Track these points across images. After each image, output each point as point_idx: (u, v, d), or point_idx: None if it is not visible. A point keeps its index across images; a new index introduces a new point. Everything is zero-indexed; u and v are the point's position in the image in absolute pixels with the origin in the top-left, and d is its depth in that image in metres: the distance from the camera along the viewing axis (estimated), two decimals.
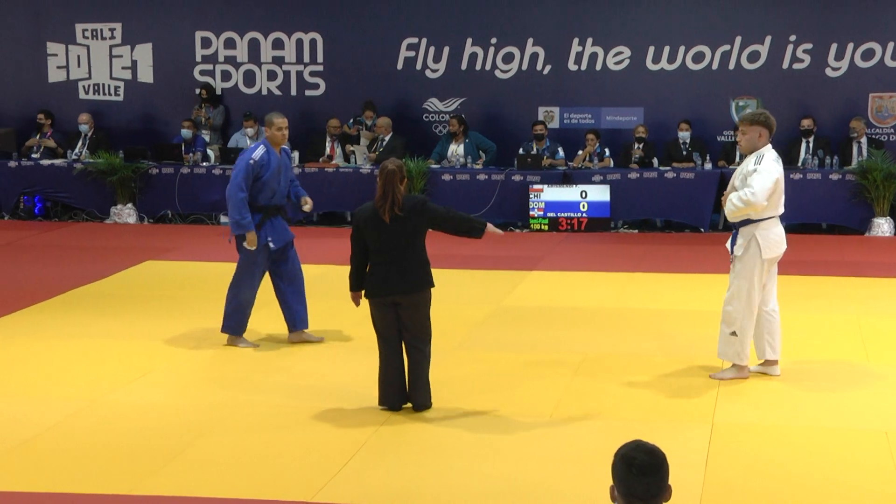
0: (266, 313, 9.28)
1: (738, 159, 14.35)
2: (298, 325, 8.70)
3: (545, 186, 14.12)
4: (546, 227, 14.11)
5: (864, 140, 14.20)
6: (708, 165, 14.19)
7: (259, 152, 8.38)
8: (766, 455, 6.26)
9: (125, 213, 14.89)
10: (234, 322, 8.58)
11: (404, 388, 6.96)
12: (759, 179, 7.27)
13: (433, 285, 6.90)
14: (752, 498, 5.70)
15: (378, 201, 6.72)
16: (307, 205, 8.71)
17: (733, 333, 7.54)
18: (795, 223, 14.16)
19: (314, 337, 8.74)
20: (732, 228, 7.63)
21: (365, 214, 6.80)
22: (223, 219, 14.84)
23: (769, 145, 7.50)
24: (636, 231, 14.28)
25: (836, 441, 6.51)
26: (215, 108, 15.85)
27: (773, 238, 7.45)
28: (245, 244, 8.43)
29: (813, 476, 5.98)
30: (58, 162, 15.24)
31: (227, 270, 11.43)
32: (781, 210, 7.51)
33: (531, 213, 14.12)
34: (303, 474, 6.00)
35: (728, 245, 7.64)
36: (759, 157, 7.41)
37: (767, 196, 7.29)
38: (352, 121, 15.19)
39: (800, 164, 14.12)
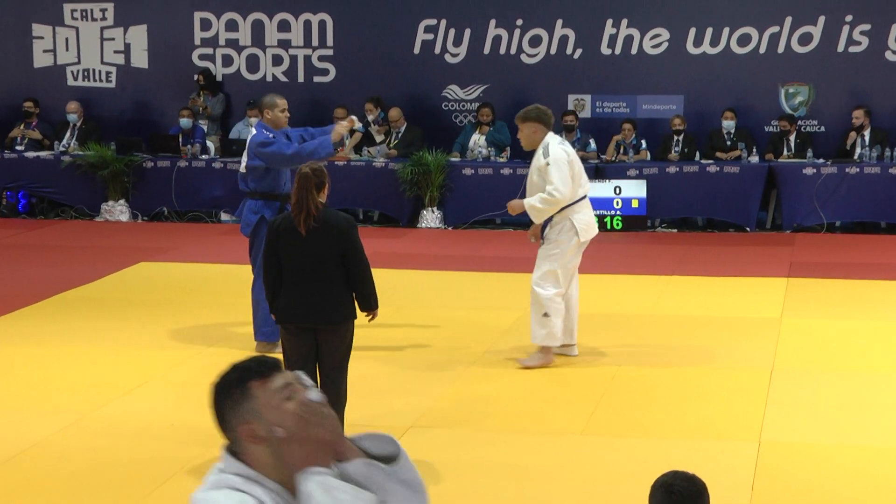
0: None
1: (786, 152, 14.32)
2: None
3: None
4: None
5: None
6: (754, 158, 14.15)
7: (271, 133, 8.72)
8: (816, 476, 6.24)
9: (117, 211, 14.94)
10: (270, 328, 8.65)
11: None
12: (556, 172, 8.04)
13: (355, 317, 6.53)
14: None
15: (293, 209, 6.44)
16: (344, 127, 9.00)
17: (546, 315, 8.16)
18: (851, 222, 14.11)
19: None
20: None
21: (280, 224, 6.47)
22: (224, 216, 14.88)
23: (550, 133, 8.25)
24: (675, 230, 14.24)
25: (889, 462, 6.49)
26: (214, 95, 15.89)
27: (588, 220, 8.34)
28: (345, 130, 8.81)
29: (864, 499, 5.96)
30: (44, 154, 15.31)
31: (228, 272, 11.50)
32: (588, 189, 8.38)
33: None
34: None
35: (539, 231, 8.31)
36: (546, 148, 8.16)
37: (569, 186, 8.09)
38: (361, 125, 15.17)
39: (856, 157, 14.05)
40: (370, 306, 6.58)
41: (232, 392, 2.69)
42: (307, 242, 6.38)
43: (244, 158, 8.87)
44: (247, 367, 2.70)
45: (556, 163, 8.04)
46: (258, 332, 8.77)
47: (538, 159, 8.17)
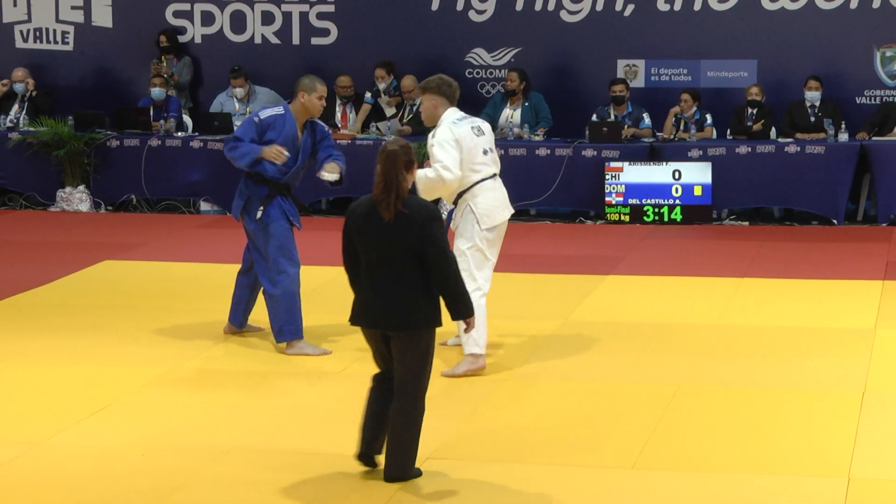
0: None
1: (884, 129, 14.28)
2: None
3: (626, 164, 14.10)
4: (627, 218, 14.09)
5: None
6: (843, 136, 14.12)
7: (269, 112, 9.03)
8: None
9: (76, 199, 14.98)
10: (294, 325, 9.01)
11: (376, 441, 6.68)
12: (440, 151, 8.41)
13: (437, 324, 6.61)
14: None
15: (378, 194, 6.48)
16: (328, 173, 9.03)
17: None
18: None
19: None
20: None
21: (360, 212, 6.56)
22: (203, 206, 14.92)
23: (452, 109, 8.61)
24: (746, 223, 14.23)
25: None
26: (179, 60, 15.86)
27: (489, 205, 8.61)
28: (272, 158, 8.84)
29: None
30: None
31: (207, 272, 11.53)
32: (492, 171, 8.65)
33: (608, 199, 14.11)
34: None
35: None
36: (437, 128, 8.57)
37: (460, 165, 8.44)
38: (369, 95, 15.21)
39: None
40: (460, 313, 6.64)
41: None
42: (390, 231, 6.48)
43: None
44: None
45: (441, 143, 8.45)
46: (281, 331, 9.07)
47: (429, 139, 8.59)
